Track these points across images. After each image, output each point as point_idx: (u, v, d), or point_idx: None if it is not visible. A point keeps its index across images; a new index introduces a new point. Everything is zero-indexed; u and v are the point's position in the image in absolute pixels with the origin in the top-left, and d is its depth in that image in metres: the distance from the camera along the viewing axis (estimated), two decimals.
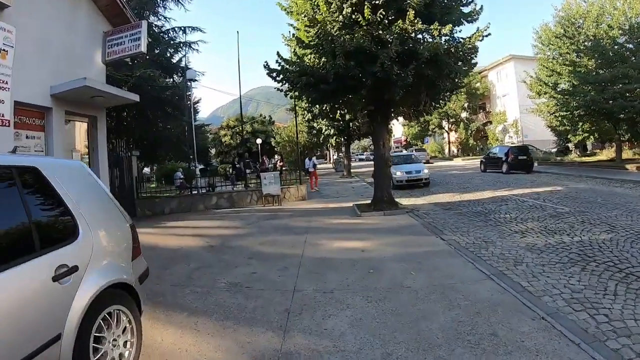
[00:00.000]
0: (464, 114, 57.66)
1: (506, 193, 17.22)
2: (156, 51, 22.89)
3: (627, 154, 33.99)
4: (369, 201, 15.08)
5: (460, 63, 12.89)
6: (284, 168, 29.86)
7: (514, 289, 5.96)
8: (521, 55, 51.48)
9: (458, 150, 58.75)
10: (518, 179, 22.98)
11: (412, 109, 15.41)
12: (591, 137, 32.30)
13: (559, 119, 30.62)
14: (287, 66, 13.29)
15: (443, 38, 12.34)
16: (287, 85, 13.78)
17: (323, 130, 30.90)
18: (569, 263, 7.14)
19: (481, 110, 58.91)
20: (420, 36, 12.75)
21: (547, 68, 30.80)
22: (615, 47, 26.72)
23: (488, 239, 9.45)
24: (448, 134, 60.43)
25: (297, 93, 14.02)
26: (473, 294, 5.88)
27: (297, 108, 28.49)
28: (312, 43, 12.55)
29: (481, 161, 31.45)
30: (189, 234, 11.84)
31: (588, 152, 39.62)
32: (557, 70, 29.76)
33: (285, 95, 14.68)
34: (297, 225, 12.30)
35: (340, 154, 49.21)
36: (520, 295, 5.67)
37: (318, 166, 29.70)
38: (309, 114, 30.10)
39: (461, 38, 12.99)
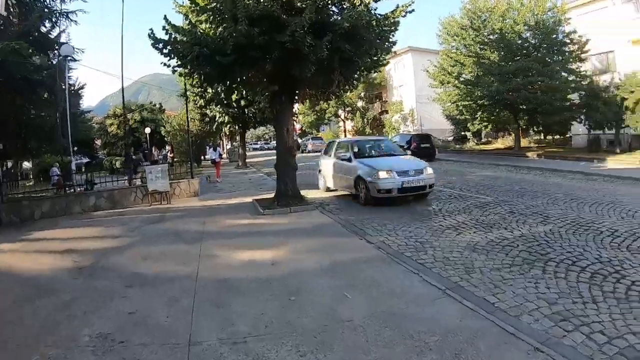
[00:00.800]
0: (360, 103, 57.63)
1: None
2: (27, 22, 18.27)
3: (522, 142, 35.55)
4: (271, 195, 13.39)
5: (379, 41, 11.51)
6: (175, 160, 27.25)
7: (483, 308, 4.84)
8: (419, 47, 52.45)
9: None
10: None
11: (322, 90, 13.50)
12: (489, 126, 33.22)
13: (460, 108, 31.02)
14: (178, 35, 10.90)
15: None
16: (175, 59, 11.25)
17: (217, 118, 28.38)
18: (525, 265, 6.34)
19: (377, 100, 59.29)
20: (335, 9, 11.27)
21: (451, 58, 31.39)
22: (519, 41, 27.97)
23: (421, 238, 8.28)
24: (344, 122, 60.08)
25: (187, 68, 11.50)
26: (436, 321, 4.57)
27: (188, 93, 26.00)
28: (209, 6, 10.34)
29: None
30: (56, 250, 8.96)
31: (483, 140, 41.05)
32: (461, 61, 30.47)
33: (174, 72, 12.07)
34: (189, 230, 10.12)
35: (234, 143, 46.78)
36: (496, 318, 4.58)
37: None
38: (202, 100, 27.54)
39: (380, 15, 11.53)
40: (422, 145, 27.56)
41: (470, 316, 4.64)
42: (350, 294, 5.42)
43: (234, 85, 13.15)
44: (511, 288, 5.43)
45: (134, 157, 25.35)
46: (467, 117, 32.35)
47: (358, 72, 12.88)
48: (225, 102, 25.98)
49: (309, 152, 47.86)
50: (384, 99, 58.50)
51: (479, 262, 6.57)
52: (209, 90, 25.07)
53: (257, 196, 14.31)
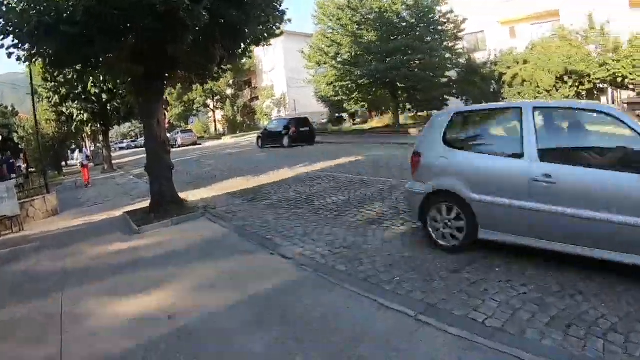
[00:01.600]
0: (229, 91, 54.97)
1: (308, 169, 15.01)
2: None
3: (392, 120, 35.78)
4: (145, 204, 10.89)
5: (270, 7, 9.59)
6: (30, 170, 23.03)
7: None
8: (291, 30, 50.52)
9: (225, 129, 55.84)
10: (306, 152, 21.55)
11: (200, 71, 10.88)
12: (365, 105, 32.83)
13: (336, 89, 29.80)
14: (11, 3, 7.80)
15: None
16: (10, 38, 8.13)
17: (75, 116, 24.00)
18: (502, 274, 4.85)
19: (247, 87, 56.99)
20: None
21: (327, 38, 29.89)
22: (396, 20, 27.52)
23: (348, 242, 6.58)
24: (214, 112, 57.00)
25: (27, 47, 8.42)
26: None
27: (40, 89, 22.05)
28: None
29: (258, 137, 29.38)
30: None
31: (357, 121, 40.76)
32: (338, 41, 28.94)
33: (9, 56, 8.80)
34: (45, 272, 7.26)
35: (98, 144, 41.81)
36: None
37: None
38: (56, 96, 23.23)
39: None
40: (302, 130, 26.35)
41: None
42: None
43: (89, 69, 10.30)
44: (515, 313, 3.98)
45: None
46: (343, 98, 31.47)
47: (244, 45, 10.74)
48: (83, 97, 22.05)
49: (179, 146, 44.35)
50: (253, 85, 56.38)
51: (444, 272, 5.06)
52: (63, 84, 21.47)
53: (128, 206, 11.78)
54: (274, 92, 49.72)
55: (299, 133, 25.89)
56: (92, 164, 27.07)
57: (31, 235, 10.59)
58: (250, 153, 25.39)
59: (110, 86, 21.96)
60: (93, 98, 22.18)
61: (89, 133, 46.61)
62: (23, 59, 9.06)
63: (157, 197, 10.13)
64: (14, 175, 20.30)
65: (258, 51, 53.59)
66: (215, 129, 57.46)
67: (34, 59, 9.18)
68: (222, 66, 11.30)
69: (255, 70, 54.26)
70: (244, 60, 53.18)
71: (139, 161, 32.32)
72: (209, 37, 9.07)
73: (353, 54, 28.38)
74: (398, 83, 27.91)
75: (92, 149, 40.82)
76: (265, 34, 10.69)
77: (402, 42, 26.66)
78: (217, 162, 21.56)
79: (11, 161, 23.80)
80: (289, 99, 49.00)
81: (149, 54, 8.93)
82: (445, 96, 28.71)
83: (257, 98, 54.86)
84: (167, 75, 10.72)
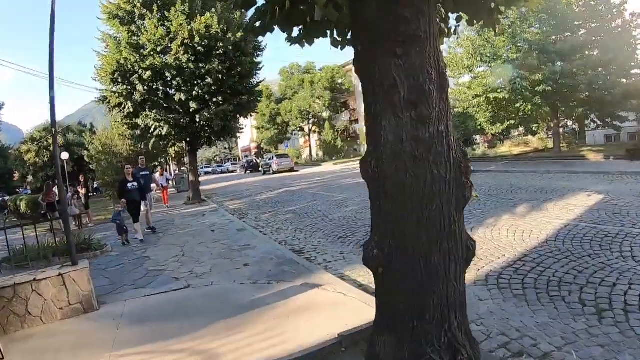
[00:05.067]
0: (325, 114, 48.97)
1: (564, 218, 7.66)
2: None
3: (542, 143, 27.87)
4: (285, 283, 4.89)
5: None
6: (89, 194, 17.37)
7: None
8: None
9: (323, 154, 49.56)
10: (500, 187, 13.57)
11: None
12: (518, 125, 25.14)
13: (490, 100, 21.94)
14: None
15: None
16: None
17: (151, 128, 17.11)
18: None
19: (343, 109, 50.76)
20: None
21: (479, 37, 22.00)
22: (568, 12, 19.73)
23: None
24: (309, 136, 51.02)
25: None
26: None
27: (108, 94, 16.52)
28: None
29: None
30: None
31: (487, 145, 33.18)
32: (490, 40, 21.23)
33: None
34: None
35: (183, 167, 36.59)
36: None
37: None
38: (129, 103, 16.70)
39: None
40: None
41: None
42: None
43: None
44: None
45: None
46: (488, 113, 23.57)
47: None
48: (164, 105, 16.43)
49: (273, 173, 38.35)
50: (351, 107, 50.12)
51: None
52: (139, 87, 15.74)
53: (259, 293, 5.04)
54: None
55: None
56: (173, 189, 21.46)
57: None
58: None
59: (201, 92, 16.02)
60: (177, 107, 16.21)
61: (173, 155, 41.75)
62: None
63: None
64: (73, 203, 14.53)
65: None
66: (310, 155, 51.46)
67: None
68: None
69: (355, 91, 47.97)
70: (340, 80, 47.91)
71: (230, 189, 25.82)
72: None
73: (518, 50, 20.26)
74: (576, 92, 19.84)
75: (177, 172, 35.35)
76: None
77: (580, 40, 19.35)
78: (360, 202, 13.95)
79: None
80: None
81: None
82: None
83: (356, 121, 48.55)
84: None
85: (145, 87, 15.73)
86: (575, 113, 21.69)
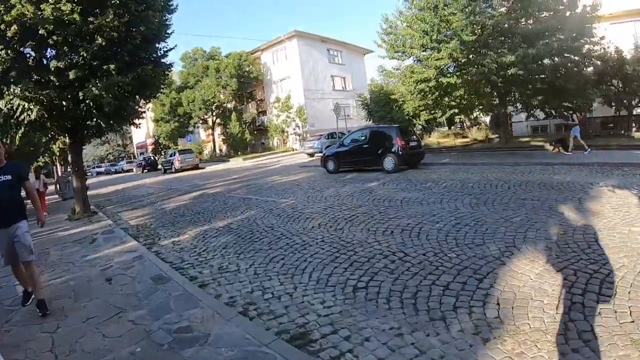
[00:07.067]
0: (231, 104, 44.08)
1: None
2: None
3: (481, 134, 26.07)
4: None
5: None
6: None
7: None
8: (306, 32, 40.70)
9: (228, 150, 44.40)
10: (458, 185, 10.75)
11: None
12: (460, 114, 22.48)
13: (428, 88, 18.74)
14: None
15: None
16: None
17: (17, 112, 10.84)
18: None
19: (250, 99, 46.14)
20: None
21: (421, 19, 18.63)
22: None
23: None
24: (212, 129, 45.64)
25: None
26: None
27: None
28: None
29: (326, 156, 17.70)
30: None
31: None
32: (445, 17, 17.82)
33: None
34: None
35: (69, 168, 29.56)
36: None
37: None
38: None
39: None
40: (412, 144, 15.58)
41: None
42: None
43: None
44: None
45: None
46: (428, 102, 20.37)
47: None
48: (35, 76, 10.78)
49: (175, 171, 32.98)
50: (258, 98, 45.65)
51: None
52: (1, 51, 10.35)
53: None
54: (291, 104, 38.99)
55: (410, 149, 15.20)
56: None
57: None
58: (322, 184, 14.47)
59: (87, 57, 10.91)
60: (53, 79, 10.94)
61: (58, 153, 34.65)
62: None
63: None
64: None
65: (266, 57, 43.30)
66: (214, 149, 46.11)
67: None
68: None
69: (263, 80, 43.58)
70: (249, 68, 43.21)
71: (128, 193, 20.30)
72: None
73: (470, 37, 16.96)
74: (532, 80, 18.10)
75: (63, 174, 28.37)
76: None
77: (547, 24, 16.98)
78: (307, 206, 10.31)
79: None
80: (306, 113, 38.61)
81: None
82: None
83: (263, 112, 44.22)
84: None
85: (9, 51, 10.31)
86: (533, 101, 19.25)
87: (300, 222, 8.33)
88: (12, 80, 10.68)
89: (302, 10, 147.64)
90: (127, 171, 50.22)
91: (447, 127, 32.20)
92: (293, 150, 38.59)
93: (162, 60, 13.01)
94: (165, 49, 12.94)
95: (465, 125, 31.23)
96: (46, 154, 29.39)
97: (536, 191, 8.99)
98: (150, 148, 55.11)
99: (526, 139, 22.55)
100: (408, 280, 4.77)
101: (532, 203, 7.87)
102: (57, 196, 21.45)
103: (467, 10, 16.84)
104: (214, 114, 43.34)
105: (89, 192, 14.56)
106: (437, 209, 8.16)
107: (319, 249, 6.31)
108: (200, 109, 40.94)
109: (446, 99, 20.09)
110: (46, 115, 11.05)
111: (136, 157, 61.12)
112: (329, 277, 5.15)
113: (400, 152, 14.69)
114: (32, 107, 10.77)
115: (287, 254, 6.32)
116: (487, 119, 30.08)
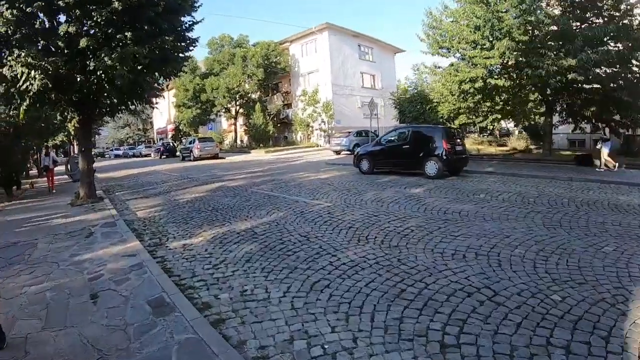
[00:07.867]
0: (256, 95, 42.62)
1: None
2: None
3: (520, 143, 24.30)
4: None
5: None
6: None
7: None
8: (338, 25, 39.15)
9: (249, 141, 42.90)
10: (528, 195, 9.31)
11: None
12: (501, 120, 20.74)
13: (473, 89, 16.93)
14: None
15: None
16: None
17: (19, 81, 9.44)
18: None
19: (275, 91, 44.64)
20: None
21: (473, 16, 16.55)
22: None
23: None
24: (235, 119, 44.33)
25: None
26: None
27: None
28: None
29: (358, 155, 16.15)
30: None
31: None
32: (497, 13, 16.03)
33: None
34: None
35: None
36: None
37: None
38: None
39: None
40: (458, 148, 14.02)
41: None
42: None
43: None
44: None
45: None
46: (470, 105, 18.63)
47: None
48: (42, 41, 9.71)
49: (194, 159, 31.75)
50: (283, 90, 44.14)
51: None
52: (5, 11, 9.06)
53: None
54: (319, 98, 37.46)
55: (455, 154, 13.66)
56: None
57: None
58: (365, 185, 12.77)
59: (102, 22, 9.55)
60: (60, 44, 9.62)
61: (73, 132, 33.11)
62: None
63: None
64: None
65: (294, 49, 41.80)
66: (235, 140, 44.76)
67: None
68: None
69: (290, 72, 42.07)
70: (277, 58, 41.76)
71: (142, 179, 18.72)
72: None
73: (522, 37, 15.26)
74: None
75: (74, 154, 27.24)
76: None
77: (605, 29, 14.90)
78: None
79: None
80: (333, 108, 37.08)
81: None
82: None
83: (288, 105, 42.73)
84: None
85: (15, 11, 8.99)
86: (584, 112, 17.45)
87: (341, 232, 6.86)
88: (15, 44, 9.36)
89: (333, 8, 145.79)
90: (145, 156, 49.38)
91: (478, 134, 30.47)
92: (317, 146, 37.13)
93: (187, 35, 11.56)
94: (190, 22, 11.47)
95: (496, 132, 29.49)
96: (61, 133, 28.23)
97: (610, 214, 7.61)
98: (170, 134, 54.11)
99: (567, 152, 20.74)
100: (513, 335, 3.31)
101: (615, 229, 6.50)
102: (69, 178, 20.26)
103: (520, 7, 15.08)
104: (238, 103, 41.98)
105: (101, 175, 13.30)
106: (508, 228, 6.63)
107: (376, 275, 4.84)
108: (224, 97, 39.65)
109: (488, 103, 18.33)
110: (50, 86, 9.64)
111: (155, 142, 60.18)
112: (400, 323, 3.68)
113: (445, 157, 13.11)
114: (36, 75, 9.40)
115: (332, 278, 4.85)
116: (515, 128, 28.46)
